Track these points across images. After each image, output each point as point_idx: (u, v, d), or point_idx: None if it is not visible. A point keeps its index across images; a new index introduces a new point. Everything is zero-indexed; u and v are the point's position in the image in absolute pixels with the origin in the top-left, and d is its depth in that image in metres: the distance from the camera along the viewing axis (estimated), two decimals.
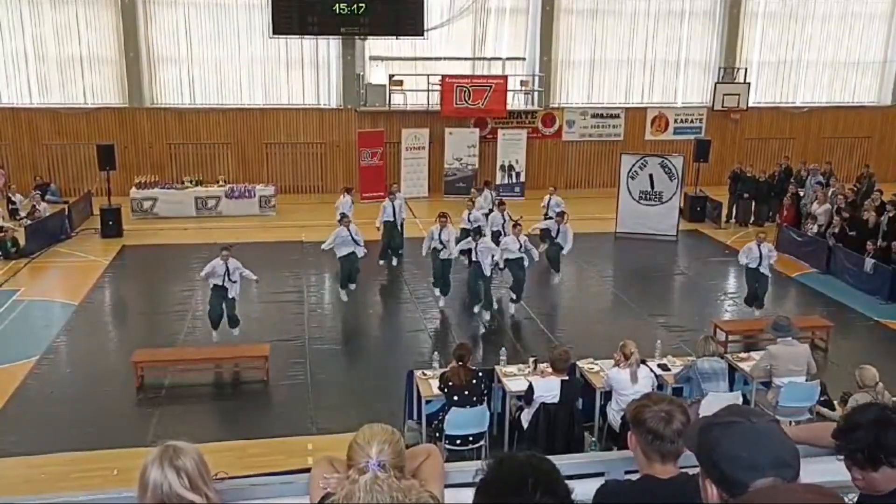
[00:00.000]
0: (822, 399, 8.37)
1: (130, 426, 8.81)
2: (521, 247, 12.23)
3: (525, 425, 7.69)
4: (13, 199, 17.93)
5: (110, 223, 16.74)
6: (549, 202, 15.74)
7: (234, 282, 10.94)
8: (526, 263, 12.42)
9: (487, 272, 12.08)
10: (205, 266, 10.96)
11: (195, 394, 9.93)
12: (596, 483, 2.69)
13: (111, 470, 7.72)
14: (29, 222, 16.34)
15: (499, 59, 21.68)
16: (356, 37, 20.37)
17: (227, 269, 10.80)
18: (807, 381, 8.31)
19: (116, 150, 17.48)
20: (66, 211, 17.01)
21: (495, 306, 12.57)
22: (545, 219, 14.92)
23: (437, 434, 7.79)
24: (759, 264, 12.10)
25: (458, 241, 12.85)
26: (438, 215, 12.83)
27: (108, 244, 16.22)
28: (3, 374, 10.14)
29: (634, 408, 2.61)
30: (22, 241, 15.35)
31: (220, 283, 10.86)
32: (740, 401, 8.04)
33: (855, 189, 18.24)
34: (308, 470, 2.71)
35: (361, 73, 20.84)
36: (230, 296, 10.98)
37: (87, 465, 7.97)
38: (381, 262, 14.75)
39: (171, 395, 9.73)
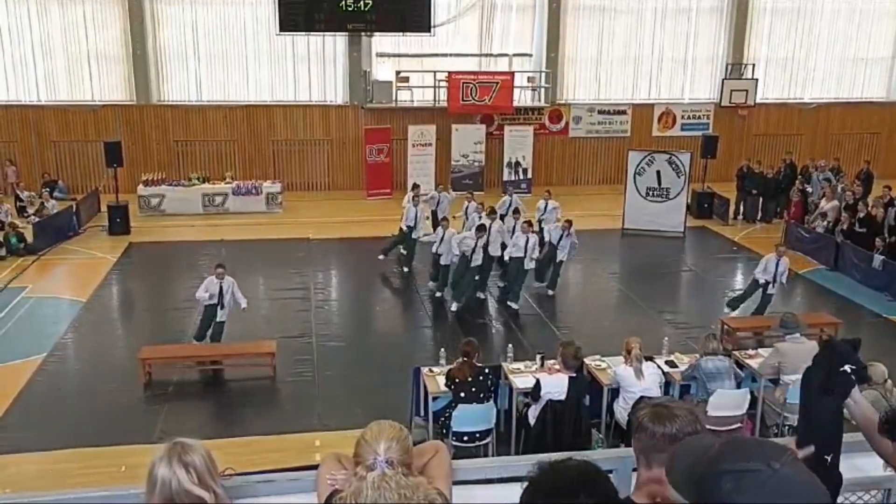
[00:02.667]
0: None
1: (138, 423, 8.83)
2: (527, 242, 12.40)
3: (532, 422, 7.68)
4: (21, 196, 18.00)
5: (118, 220, 16.76)
6: (545, 206, 15.13)
7: (224, 307, 10.27)
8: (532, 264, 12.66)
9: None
10: (200, 287, 10.37)
11: (202, 390, 9.97)
12: None
13: (119, 466, 7.74)
14: (37, 219, 16.41)
15: (505, 55, 21.62)
16: (362, 33, 20.34)
17: (221, 289, 10.22)
18: None
19: (123, 147, 17.53)
20: (74, 208, 17.05)
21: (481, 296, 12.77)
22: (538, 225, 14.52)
23: (444, 431, 7.78)
24: (772, 285, 11.76)
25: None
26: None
27: (116, 241, 16.24)
28: (11, 371, 10.18)
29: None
30: (30, 238, 15.40)
31: (214, 304, 10.29)
32: (748, 398, 8.02)
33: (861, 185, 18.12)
34: (315, 467, 2.70)
35: (368, 70, 20.81)
36: (219, 318, 10.35)
37: (95, 461, 7.98)
38: (381, 258, 14.54)
39: (178, 391, 9.76)
